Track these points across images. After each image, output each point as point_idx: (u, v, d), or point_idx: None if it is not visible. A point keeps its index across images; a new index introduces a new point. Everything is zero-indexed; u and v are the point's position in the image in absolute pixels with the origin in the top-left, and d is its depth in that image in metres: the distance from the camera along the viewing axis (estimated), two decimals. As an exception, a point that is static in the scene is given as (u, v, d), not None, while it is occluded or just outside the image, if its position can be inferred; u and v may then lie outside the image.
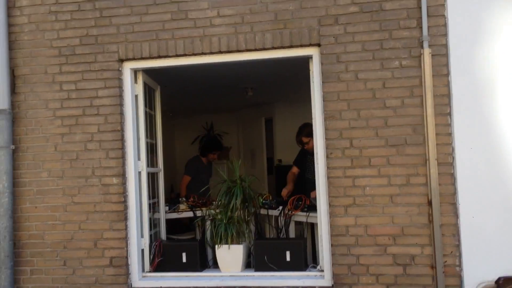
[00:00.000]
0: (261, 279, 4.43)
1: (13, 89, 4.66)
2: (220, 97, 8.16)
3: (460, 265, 4.06)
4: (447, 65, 4.10)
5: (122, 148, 4.55)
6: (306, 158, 6.25)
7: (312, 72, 4.41)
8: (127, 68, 4.60)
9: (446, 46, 4.10)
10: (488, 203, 4.02)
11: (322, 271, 4.42)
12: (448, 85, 4.09)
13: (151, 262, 4.67)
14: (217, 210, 4.85)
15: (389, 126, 4.17)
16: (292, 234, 5.52)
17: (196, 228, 6.42)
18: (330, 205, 4.22)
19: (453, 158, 4.08)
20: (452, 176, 4.08)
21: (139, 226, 4.62)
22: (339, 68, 4.23)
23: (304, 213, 5.44)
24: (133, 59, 4.54)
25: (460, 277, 4.05)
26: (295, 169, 6.33)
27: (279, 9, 4.32)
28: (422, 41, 4.09)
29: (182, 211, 6.08)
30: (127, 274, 4.50)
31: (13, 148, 4.60)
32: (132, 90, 4.63)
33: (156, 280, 4.54)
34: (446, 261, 4.06)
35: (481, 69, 4.05)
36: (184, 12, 4.45)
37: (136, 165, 4.62)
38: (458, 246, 4.06)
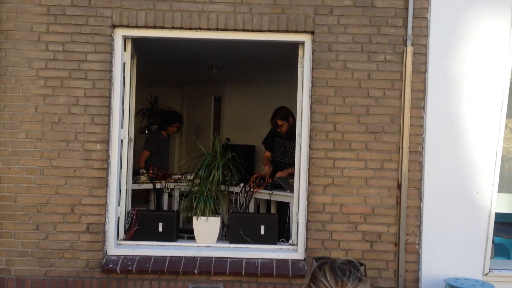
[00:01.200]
0: (237, 250, 4.64)
1: (-8, 44, 4.46)
2: (182, 71, 8.17)
3: (419, 243, 4.53)
4: (425, 63, 4.51)
5: (109, 114, 4.53)
6: (274, 140, 6.49)
7: (302, 58, 4.66)
8: (119, 35, 4.57)
9: (426, 46, 4.51)
10: (449, 189, 4.51)
11: (294, 245, 4.72)
12: (424, 81, 4.52)
13: (127, 230, 4.71)
14: (195, 183, 4.98)
15: (370, 115, 4.53)
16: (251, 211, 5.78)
17: (151, 201, 6.49)
18: (310, 183, 4.52)
19: (423, 147, 4.52)
20: (420, 164, 4.52)
21: (118, 194, 4.64)
22: (330, 56, 4.51)
23: (267, 191, 5.72)
24: (127, 26, 4.51)
25: (418, 254, 4.53)
26: (267, 153, 6.53)
27: (278, -6, 4.51)
28: (406, 40, 4.47)
29: (142, 183, 6.11)
30: (104, 241, 4.52)
31: (-9, 105, 4.42)
32: (122, 58, 4.61)
33: (133, 248, 4.60)
34: (407, 239, 4.51)
35: (453, 68, 4.52)
36: (183, -15, 4.50)
37: (120, 133, 4.62)
38: (419, 226, 4.53)
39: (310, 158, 4.52)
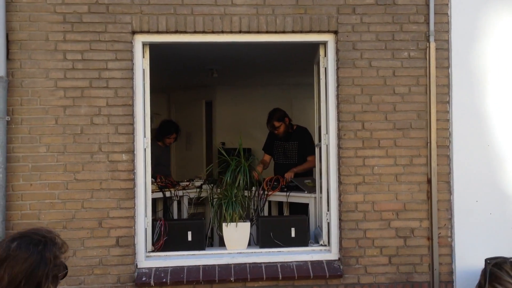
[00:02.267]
0: (270, 255, 4.57)
1: (6, 55, 4.24)
2: (180, 77, 8.02)
3: (451, 236, 4.58)
4: (448, 58, 4.57)
5: (133, 123, 4.39)
6: (273, 144, 6.45)
7: (324, 57, 4.64)
8: (139, 41, 4.43)
9: (448, 41, 4.57)
10: (477, 180, 4.57)
11: (326, 245, 4.69)
12: (448, 76, 4.57)
13: (156, 241, 4.57)
14: (219, 190, 4.88)
15: (397, 111, 4.54)
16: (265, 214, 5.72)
17: (158, 211, 6.34)
18: (342, 183, 4.50)
19: (450, 141, 4.57)
20: (448, 158, 4.57)
21: (145, 204, 4.49)
22: (355, 55, 4.50)
23: (283, 193, 5.68)
24: (147, 32, 4.38)
25: (451, 247, 4.57)
26: (267, 157, 6.49)
27: (300, -6, 4.47)
28: (429, 36, 4.51)
29: (153, 191, 5.95)
30: (134, 254, 4.37)
31: (8, 119, 4.21)
32: (142, 64, 4.47)
33: (164, 260, 4.46)
34: (440, 233, 4.55)
35: (475, 62, 4.58)
36: (204, -12, 4.40)
37: (143, 142, 4.48)
38: (450, 219, 4.58)
39: (340, 157, 4.50)
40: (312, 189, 5.61)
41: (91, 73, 4.32)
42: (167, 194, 6.07)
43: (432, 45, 4.51)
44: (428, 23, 4.53)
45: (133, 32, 4.37)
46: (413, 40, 4.54)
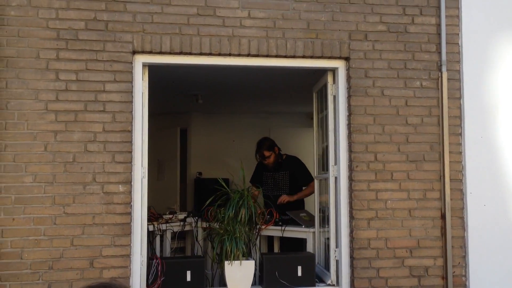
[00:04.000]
0: (277, 296, 4.22)
1: (-10, 73, 3.79)
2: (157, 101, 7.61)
3: (465, 275, 4.37)
4: (459, 89, 4.45)
5: (131, 151, 3.99)
6: (262, 175, 6.13)
7: (333, 84, 4.43)
8: (139, 61, 4.08)
9: (459, 71, 4.45)
10: (492, 216, 4.41)
11: (334, 285, 4.38)
12: (460, 107, 4.44)
13: (152, 281, 4.13)
14: (218, 225, 4.51)
15: (409, 143, 4.36)
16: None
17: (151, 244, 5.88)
18: (354, 217, 4.23)
19: (463, 175, 4.41)
20: (462, 192, 4.40)
21: (141, 241, 4.07)
22: (367, 83, 4.31)
23: (278, 227, 5.35)
24: (149, 52, 4.04)
25: (465, 286, 4.37)
26: (256, 192, 6.10)
27: (311, 19, 4.26)
28: (441, 65, 4.39)
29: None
30: (129, 297, 3.92)
31: (-9, 145, 3.73)
32: (141, 87, 4.11)
33: (162, 303, 4.03)
34: (454, 272, 4.34)
35: (486, 94, 4.48)
36: (212, 8, 4.11)
37: (141, 172, 4.08)
38: (464, 257, 4.38)
39: (352, 190, 4.25)
40: (308, 223, 5.32)
41: (86, 95, 3.92)
42: (150, 228, 5.64)
43: (444, 74, 4.38)
44: (439, 53, 4.41)
45: (134, 52, 4.02)
46: (425, 69, 4.40)
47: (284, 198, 5.55)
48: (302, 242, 5.89)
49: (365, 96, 4.30)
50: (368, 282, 4.23)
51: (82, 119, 3.91)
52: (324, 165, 4.84)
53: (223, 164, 8.87)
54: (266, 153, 5.93)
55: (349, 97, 4.31)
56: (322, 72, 4.60)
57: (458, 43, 4.47)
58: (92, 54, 3.93)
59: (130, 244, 3.93)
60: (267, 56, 4.21)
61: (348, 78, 4.31)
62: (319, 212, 5.12)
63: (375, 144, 4.30)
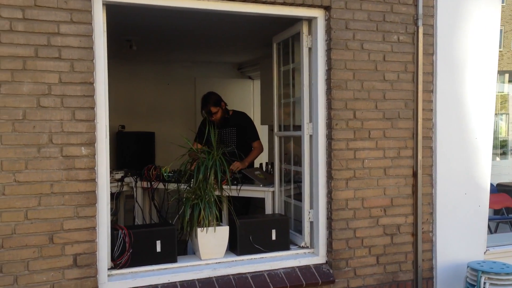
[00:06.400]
0: (254, 263, 3.94)
1: None
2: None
3: (433, 231, 4.42)
4: (433, 44, 4.35)
5: (94, 107, 3.39)
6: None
7: (309, 36, 4.11)
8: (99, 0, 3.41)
9: (433, 26, 4.34)
10: (456, 173, 4.46)
11: (308, 247, 4.21)
12: (433, 64, 4.35)
13: (119, 255, 3.63)
14: (186, 188, 4.08)
15: (386, 99, 4.21)
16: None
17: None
18: (333, 178, 4.03)
19: (433, 132, 4.38)
20: (431, 149, 4.38)
21: (107, 211, 3.53)
22: (347, 35, 4.04)
23: (233, 187, 5.01)
24: (113, -11, 3.39)
25: (432, 242, 4.42)
26: (198, 146, 5.60)
27: (293, -39, 3.84)
28: (417, 19, 4.24)
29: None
30: (96, 275, 3.41)
31: None
32: (102, 31, 3.47)
33: (132, 279, 3.56)
34: (423, 228, 4.36)
35: (456, 49, 4.43)
36: None
37: (105, 131, 3.50)
38: (431, 213, 4.41)
39: (332, 150, 4.03)
40: (265, 182, 5.06)
41: (37, 38, 3.21)
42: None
43: (420, 29, 4.25)
44: (416, 6, 4.25)
45: (93, -12, 3.35)
46: (402, 22, 4.22)
47: (237, 166, 5.18)
48: (249, 201, 5.64)
49: (345, 50, 4.04)
50: (345, 243, 4.10)
51: (33, 68, 3.20)
52: (292, 122, 4.56)
53: (148, 117, 8.29)
54: (213, 109, 5.50)
55: (329, 50, 4.01)
56: (289, 21, 4.23)
57: (433, -3, 4.34)
58: (43, -13, 3.21)
59: (95, 215, 3.39)
60: (245, 1, 3.75)
61: (328, 29, 4.01)
62: (279, 169, 4.86)
63: (354, 101, 4.09)
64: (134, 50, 6.09)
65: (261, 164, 6.02)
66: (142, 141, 7.92)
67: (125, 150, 7.80)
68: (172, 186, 4.86)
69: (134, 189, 5.46)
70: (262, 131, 6.97)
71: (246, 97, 8.54)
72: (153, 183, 5.25)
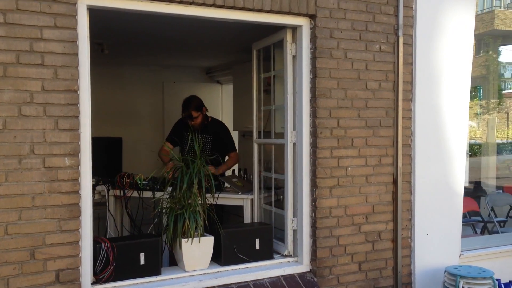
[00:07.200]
0: (240, 273, 3.89)
1: None
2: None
3: (411, 237, 4.50)
4: (412, 54, 4.42)
5: (78, 116, 3.25)
6: (183, 135, 5.57)
7: (293, 43, 4.10)
8: (83, 4, 3.28)
9: (412, 36, 4.42)
10: (433, 180, 4.55)
11: (291, 256, 4.20)
12: (411, 73, 4.43)
13: (102, 269, 3.50)
14: (168, 197, 3.97)
15: (368, 108, 4.25)
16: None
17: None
18: (317, 186, 4.03)
19: (412, 140, 4.46)
20: (410, 157, 4.46)
21: (91, 225, 3.40)
22: (332, 44, 4.05)
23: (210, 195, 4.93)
24: (97, -7, 3.27)
25: (410, 248, 4.49)
26: (167, 149, 5.39)
27: (279, -31, 3.82)
28: (398, 29, 4.30)
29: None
30: (79, 290, 3.28)
31: None
32: (86, 37, 3.33)
33: (116, 293, 3.45)
34: (402, 234, 4.43)
35: (434, 59, 4.52)
36: None
37: (90, 141, 3.37)
38: (410, 220, 4.49)
39: (316, 158, 4.02)
40: (242, 189, 5.01)
41: (19, 44, 3.05)
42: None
43: (401, 39, 4.31)
44: (397, 16, 4.31)
45: (78, -8, 3.22)
46: (383, 32, 4.28)
47: (212, 171, 5.09)
48: (222, 209, 5.56)
49: (329, 58, 4.05)
50: (329, 251, 4.11)
51: (14, 75, 3.04)
52: (273, 129, 4.54)
53: (115, 121, 8.05)
54: (194, 114, 5.35)
55: (313, 58, 4.01)
56: (270, 28, 4.20)
57: (412, 7, 4.41)
58: (26, -10, 3.05)
59: (79, 229, 3.25)
60: (233, 8, 3.69)
61: (313, 37, 4.01)
62: (258, 178, 4.83)
63: (338, 109, 4.10)
64: (106, 54, 5.90)
65: (233, 171, 5.97)
66: (110, 147, 7.69)
67: (93, 156, 7.55)
68: (148, 194, 4.73)
69: (107, 198, 5.29)
70: (233, 137, 6.91)
71: (214, 102, 8.44)
72: (126, 191, 5.10)
